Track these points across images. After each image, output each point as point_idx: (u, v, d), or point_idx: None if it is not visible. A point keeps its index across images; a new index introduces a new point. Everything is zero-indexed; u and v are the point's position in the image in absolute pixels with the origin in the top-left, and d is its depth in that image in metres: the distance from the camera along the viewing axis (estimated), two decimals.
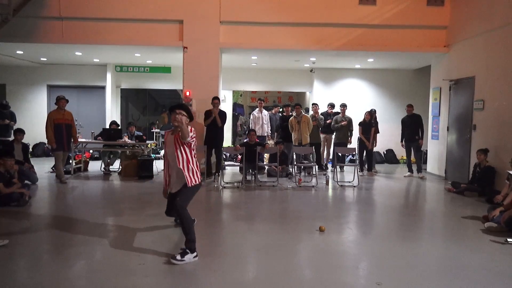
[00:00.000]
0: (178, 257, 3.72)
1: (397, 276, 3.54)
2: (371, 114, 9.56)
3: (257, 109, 10.51)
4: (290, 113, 9.75)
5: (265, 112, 10.52)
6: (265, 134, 10.40)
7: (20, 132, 7.67)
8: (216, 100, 8.38)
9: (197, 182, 4.08)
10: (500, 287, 3.40)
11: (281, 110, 11.30)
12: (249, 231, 4.96)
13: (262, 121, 10.42)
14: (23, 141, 7.89)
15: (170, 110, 3.96)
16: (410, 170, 9.32)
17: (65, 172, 8.66)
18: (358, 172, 8.45)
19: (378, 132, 9.86)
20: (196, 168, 4.09)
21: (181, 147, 3.96)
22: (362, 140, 9.52)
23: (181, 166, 3.96)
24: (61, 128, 7.85)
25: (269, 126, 10.37)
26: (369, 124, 9.49)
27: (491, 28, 7.56)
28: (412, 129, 9.20)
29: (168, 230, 4.90)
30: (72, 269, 3.60)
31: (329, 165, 10.22)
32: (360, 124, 9.57)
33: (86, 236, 4.53)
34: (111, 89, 12.56)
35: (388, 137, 11.73)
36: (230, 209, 6.00)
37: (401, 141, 9.45)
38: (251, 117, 10.68)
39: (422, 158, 9.43)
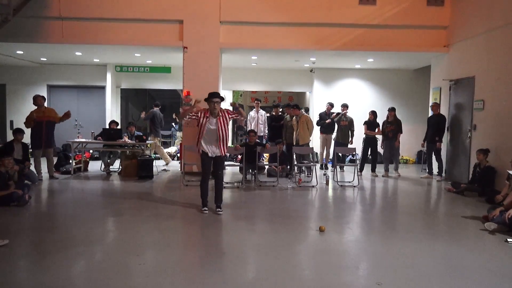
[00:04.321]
0: (219, 209, 5.59)
1: (397, 276, 3.54)
2: (374, 114, 9.52)
3: (254, 109, 10.54)
4: (279, 113, 9.77)
5: (261, 112, 10.53)
6: (262, 134, 10.40)
7: (20, 132, 7.69)
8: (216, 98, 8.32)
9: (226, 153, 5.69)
10: (500, 287, 3.40)
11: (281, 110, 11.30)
12: (249, 231, 4.96)
13: (258, 121, 10.44)
14: (22, 141, 7.89)
15: (208, 98, 5.45)
16: (430, 172, 8.97)
17: (65, 172, 8.72)
18: (358, 173, 8.44)
19: (401, 132, 9.29)
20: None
21: (222, 128, 5.50)
22: (368, 139, 9.43)
23: (220, 141, 5.50)
24: (40, 125, 7.95)
25: (266, 126, 10.39)
26: (373, 123, 9.47)
27: (491, 28, 7.56)
28: (434, 130, 8.77)
29: (168, 230, 4.91)
30: (72, 269, 3.60)
31: (329, 165, 10.22)
32: (365, 123, 9.55)
33: (86, 236, 4.53)
34: (111, 89, 12.56)
35: None
36: (230, 209, 6.00)
37: (423, 141, 9.11)
38: (248, 117, 10.72)
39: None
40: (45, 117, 7.99)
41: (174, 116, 12.45)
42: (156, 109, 10.97)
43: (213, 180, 5.76)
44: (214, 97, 5.45)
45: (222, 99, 5.65)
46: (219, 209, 5.63)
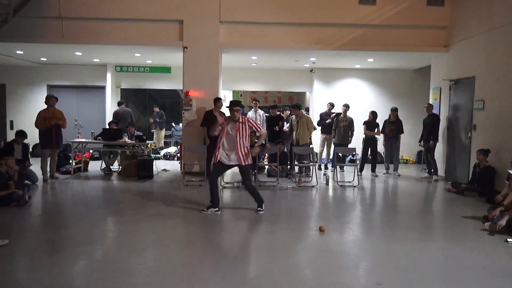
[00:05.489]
0: (260, 208, 5.67)
1: (397, 276, 3.54)
2: (374, 114, 9.54)
3: (252, 109, 10.57)
4: (277, 113, 9.78)
5: (260, 112, 10.55)
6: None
7: (22, 136, 7.67)
8: (219, 103, 8.39)
9: (249, 162, 5.60)
10: (500, 287, 3.40)
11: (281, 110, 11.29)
12: (249, 231, 4.96)
13: (256, 121, 10.44)
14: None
15: (230, 106, 5.55)
16: (429, 172, 9.05)
17: (65, 172, 8.72)
18: (358, 173, 8.42)
19: (403, 132, 9.46)
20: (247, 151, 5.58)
21: (241, 135, 5.50)
22: (367, 139, 9.48)
23: (238, 149, 5.48)
24: (51, 126, 7.89)
25: (264, 126, 10.39)
26: (373, 123, 9.50)
27: (491, 28, 7.56)
28: (428, 130, 8.94)
29: (168, 229, 4.91)
30: (72, 269, 3.60)
31: (329, 165, 10.21)
32: (364, 123, 9.58)
33: (86, 236, 4.53)
34: (111, 89, 12.55)
35: None
36: (230, 209, 6.00)
37: (419, 141, 9.30)
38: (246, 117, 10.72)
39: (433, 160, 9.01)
40: (54, 117, 7.96)
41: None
42: (120, 107, 11.39)
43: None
44: (235, 105, 5.55)
45: (242, 106, 5.70)
46: (259, 208, 5.67)
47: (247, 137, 5.56)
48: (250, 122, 5.63)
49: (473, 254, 4.15)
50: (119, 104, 11.78)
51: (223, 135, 5.54)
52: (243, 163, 5.52)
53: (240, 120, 5.53)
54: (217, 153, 5.55)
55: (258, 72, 12.95)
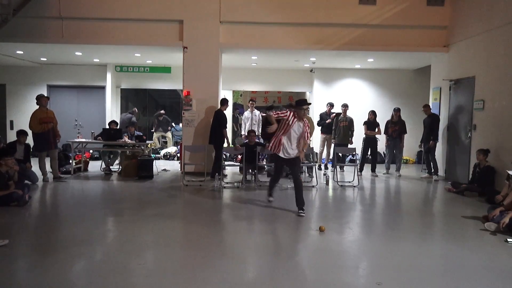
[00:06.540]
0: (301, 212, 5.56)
1: (397, 276, 3.54)
2: (374, 114, 9.55)
3: (249, 109, 10.62)
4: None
5: (256, 112, 10.59)
6: (256, 134, 10.43)
7: (24, 134, 7.66)
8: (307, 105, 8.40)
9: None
10: (500, 287, 3.40)
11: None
12: (249, 231, 4.96)
13: (251, 121, 10.51)
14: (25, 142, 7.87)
15: (297, 105, 5.69)
16: (429, 172, 9.04)
17: (65, 172, 8.71)
18: (358, 173, 8.42)
19: (406, 133, 9.40)
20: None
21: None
22: (367, 139, 9.48)
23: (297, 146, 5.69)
24: (47, 128, 7.84)
25: (260, 126, 10.43)
26: (373, 123, 9.51)
27: (491, 28, 7.56)
28: (428, 130, 8.92)
29: (168, 230, 4.91)
30: (72, 269, 3.60)
31: (329, 165, 10.21)
32: (365, 123, 9.59)
33: (86, 236, 4.53)
34: (111, 89, 12.55)
35: None
36: (230, 209, 6.00)
37: (420, 142, 9.28)
38: (243, 117, 10.80)
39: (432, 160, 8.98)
40: (48, 118, 7.92)
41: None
42: (127, 114, 11.80)
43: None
44: (305, 104, 5.70)
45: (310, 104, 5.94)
46: (301, 211, 5.58)
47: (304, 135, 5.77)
48: (306, 128, 5.71)
49: (473, 254, 4.15)
50: (130, 113, 12.10)
51: (288, 130, 5.62)
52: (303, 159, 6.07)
53: (304, 119, 5.78)
54: (272, 146, 5.74)
55: (258, 72, 12.95)
